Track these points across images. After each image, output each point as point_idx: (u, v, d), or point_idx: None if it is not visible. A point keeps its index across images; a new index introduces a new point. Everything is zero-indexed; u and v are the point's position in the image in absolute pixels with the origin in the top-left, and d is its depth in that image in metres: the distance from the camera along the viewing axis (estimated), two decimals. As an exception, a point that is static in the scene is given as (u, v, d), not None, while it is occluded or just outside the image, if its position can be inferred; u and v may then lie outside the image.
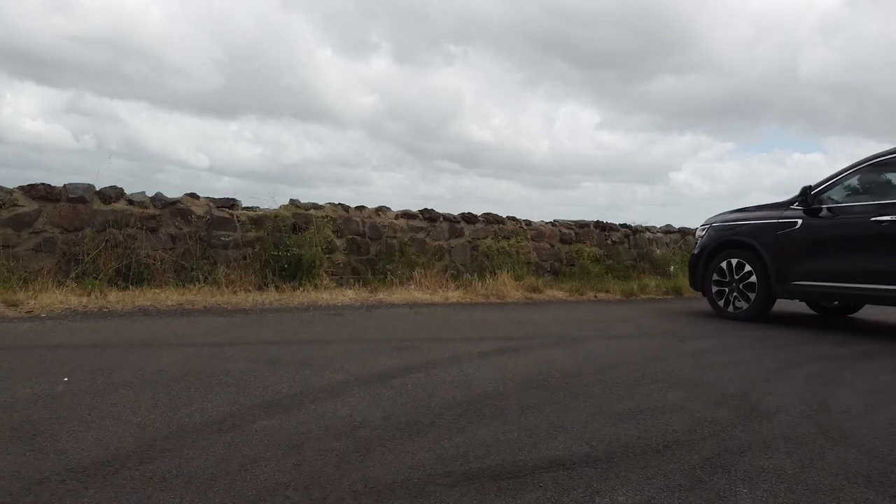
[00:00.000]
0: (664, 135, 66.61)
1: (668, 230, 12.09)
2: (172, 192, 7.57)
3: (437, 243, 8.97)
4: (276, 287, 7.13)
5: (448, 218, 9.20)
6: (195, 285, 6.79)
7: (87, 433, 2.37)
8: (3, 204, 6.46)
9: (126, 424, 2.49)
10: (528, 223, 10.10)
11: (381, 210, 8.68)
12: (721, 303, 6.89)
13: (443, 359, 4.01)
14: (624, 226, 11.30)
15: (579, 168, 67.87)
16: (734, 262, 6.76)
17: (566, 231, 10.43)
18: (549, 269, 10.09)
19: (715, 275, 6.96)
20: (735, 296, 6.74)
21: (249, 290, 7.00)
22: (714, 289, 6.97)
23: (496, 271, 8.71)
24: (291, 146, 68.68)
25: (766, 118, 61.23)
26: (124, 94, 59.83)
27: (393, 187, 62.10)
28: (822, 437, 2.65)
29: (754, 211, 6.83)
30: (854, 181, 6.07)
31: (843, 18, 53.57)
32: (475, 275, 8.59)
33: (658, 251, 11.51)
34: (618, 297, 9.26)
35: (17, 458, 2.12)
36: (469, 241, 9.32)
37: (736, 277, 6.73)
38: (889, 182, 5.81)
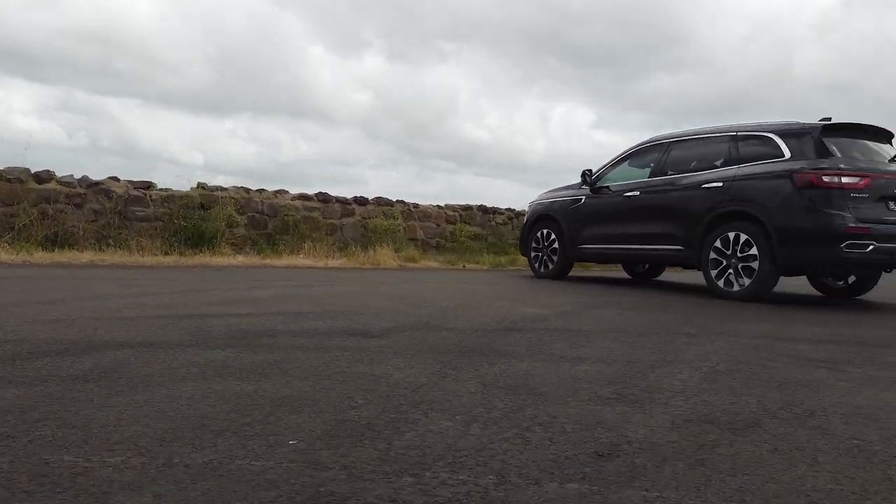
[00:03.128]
0: (659, 133, 68.08)
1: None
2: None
3: (329, 221, 10.65)
4: (180, 253, 8.76)
5: (341, 200, 10.88)
6: (112, 249, 8.40)
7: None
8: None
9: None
10: (416, 206, 11.82)
11: (279, 192, 10.35)
12: (536, 265, 8.61)
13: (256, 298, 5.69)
14: (509, 209, 13.06)
15: (575, 167, 68.60)
16: (545, 232, 8.46)
17: (451, 213, 12.16)
18: (434, 245, 11.81)
19: (533, 243, 8.67)
20: (544, 259, 8.46)
21: (156, 255, 8.62)
22: (532, 254, 8.68)
23: (380, 245, 10.39)
24: (286, 144, 68.86)
25: (763, 116, 63.26)
26: (116, 90, 60.02)
27: (389, 186, 62.73)
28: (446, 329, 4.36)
29: (561, 191, 8.53)
30: (622, 166, 7.79)
31: (837, 18, 55.53)
32: (360, 247, 10.27)
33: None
34: (486, 267, 10.98)
35: None
36: (360, 220, 11.01)
37: (545, 245, 8.44)
38: (640, 166, 7.56)
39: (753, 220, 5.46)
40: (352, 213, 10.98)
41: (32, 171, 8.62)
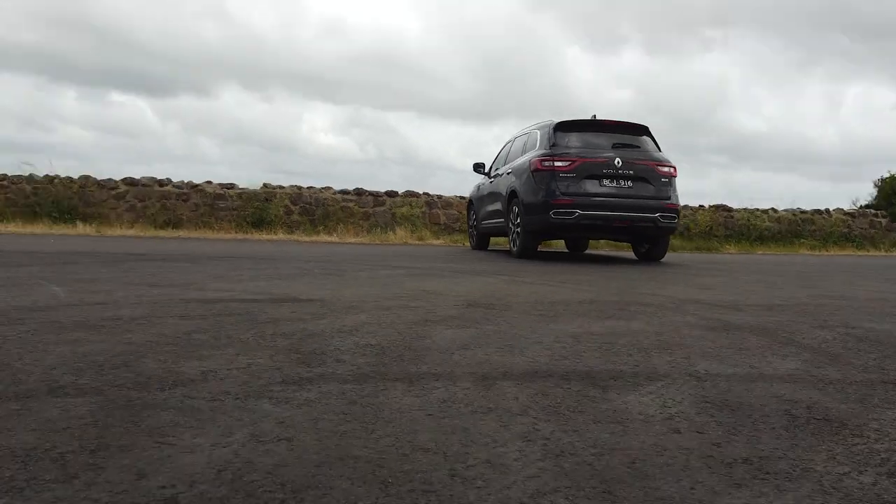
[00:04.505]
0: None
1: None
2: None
3: (363, 210, 14.06)
4: (246, 232, 12.67)
5: (373, 193, 14.25)
6: (200, 228, 12.51)
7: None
8: (114, 187, 12.60)
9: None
10: (440, 197, 14.81)
11: (324, 189, 13.96)
12: (470, 240, 10.96)
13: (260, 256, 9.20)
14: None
15: (880, 156, 59.21)
16: (470, 213, 10.77)
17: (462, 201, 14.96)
18: (457, 229, 14.71)
19: (469, 223, 11.08)
20: (472, 234, 10.77)
21: (232, 232, 12.60)
22: (469, 231, 11.12)
23: (400, 228, 13.59)
24: None
25: None
26: (395, 105, 66.19)
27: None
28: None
29: (483, 179, 10.72)
30: (501, 154, 9.87)
31: None
32: (382, 230, 13.55)
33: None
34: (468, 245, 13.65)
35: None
36: (388, 209, 14.28)
37: (470, 224, 10.76)
38: (507, 153, 9.53)
39: (518, 197, 7.68)
40: (382, 203, 14.30)
41: (157, 179, 13.03)
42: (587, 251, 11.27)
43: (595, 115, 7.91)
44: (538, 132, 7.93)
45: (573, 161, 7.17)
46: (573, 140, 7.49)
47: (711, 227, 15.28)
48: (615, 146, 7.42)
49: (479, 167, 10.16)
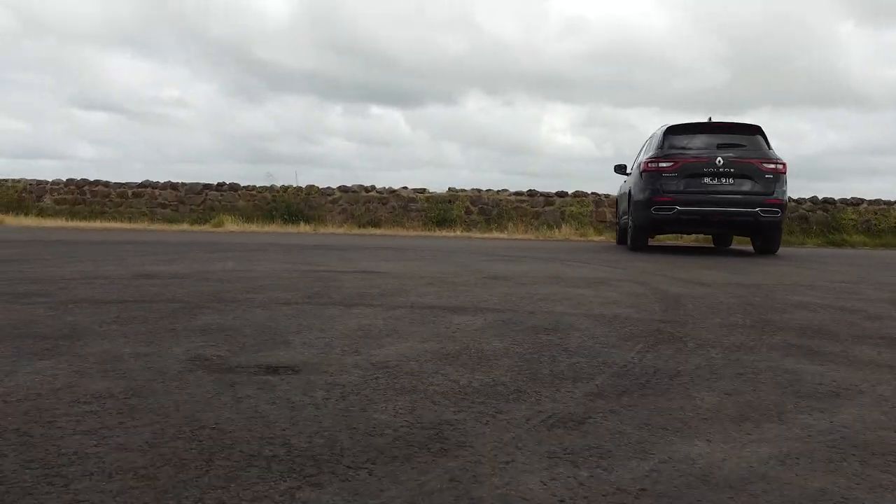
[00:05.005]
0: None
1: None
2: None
3: (534, 209, 15.47)
4: (429, 229, 14.84)
5: (544, 194, 15.58)
6: (394, 227, 14.96)
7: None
8: (331, 194, 15.64)
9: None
10: (608, 196, 15.63)
11: (500, 192, 15.64)
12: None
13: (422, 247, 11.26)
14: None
15: None
16: (618, 210, 11.71)
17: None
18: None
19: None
20: (617, 229, 11.68)
21: (418, 230, 14.87)
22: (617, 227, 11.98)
23: (565, 226, 14.80)
24: (810, 136, 61.92)
25: None
26: (635, 102, 66.89)
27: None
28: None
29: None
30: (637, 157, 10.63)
31: None
32: (549, 227, 14.86)
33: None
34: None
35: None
36: (558, 208, 15.51)
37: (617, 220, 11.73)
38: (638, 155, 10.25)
39: (631, 196, 8.54)
40: (552, 203, 15.57)
41: (364, 185, 15.79)
42: (731, 246, 11.52)
43: (710, 118, 8.52)
44: (656, 135, 8.74)
45: (676, 161, 7.94)
46: (682, 142, 8.22)
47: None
48: (720, 146, 8.01)
49: (619, 168, 11.06)
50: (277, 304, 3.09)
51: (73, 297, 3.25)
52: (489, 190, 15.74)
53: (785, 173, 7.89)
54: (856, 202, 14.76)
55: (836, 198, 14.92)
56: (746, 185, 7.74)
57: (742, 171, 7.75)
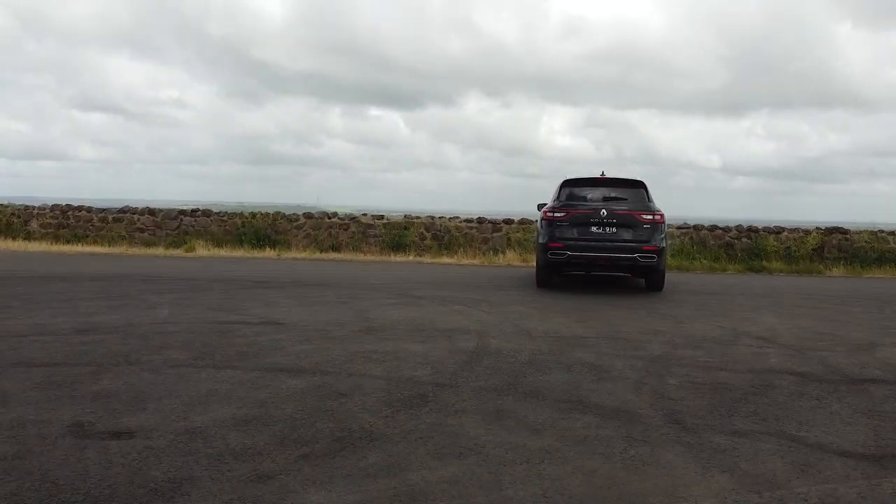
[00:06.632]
0: None
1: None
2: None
3: (482, 235, 16.66)
4: (385, 253, 16.00)
5: (492, 221, 16.78)
6: (353, 252, 16.10)
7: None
8: (296, 220, 16.81)
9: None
10: (552, 223, 16.85)
11: (452, 218, 16.84)
12: None
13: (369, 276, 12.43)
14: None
15: None
16: None
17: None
18: (567, 251, 16.66)
19: None
20: None
21: (375, 255, 16.02)
22: None
23: (509, 251, 15.98)
24: (810, 138, 63.16)
25: None
26: (635, 103, 67.87)
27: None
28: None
29: None
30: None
31: None
32: (493, 252, 16.03)
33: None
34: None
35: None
36: (505, 234, 16.71)
37: None
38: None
39: (537, 239, 9.78)
40: (500, 230, 16.76)
41: (326, 213, 16.94)
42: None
43: (603, 172, 9.76)
44: (557, 186, 9.97)
45: (568, 212, 9.16)
46: (575, 194, 9.47)
47: (823, 249, 15.38)
48: (605, 199, 9.26)
49: (541, 206, 12.32)
50: (166, 367, 4.24)
51: (18, 358, 4.40)
52: (442, 217, 16.93)
53: (663, 223, 9.11)
54: (777, 230, 16.02)
55: (760, 226, 16.20)
56: (627, 234, 8.95)
57: (623, 222, 8.97)
